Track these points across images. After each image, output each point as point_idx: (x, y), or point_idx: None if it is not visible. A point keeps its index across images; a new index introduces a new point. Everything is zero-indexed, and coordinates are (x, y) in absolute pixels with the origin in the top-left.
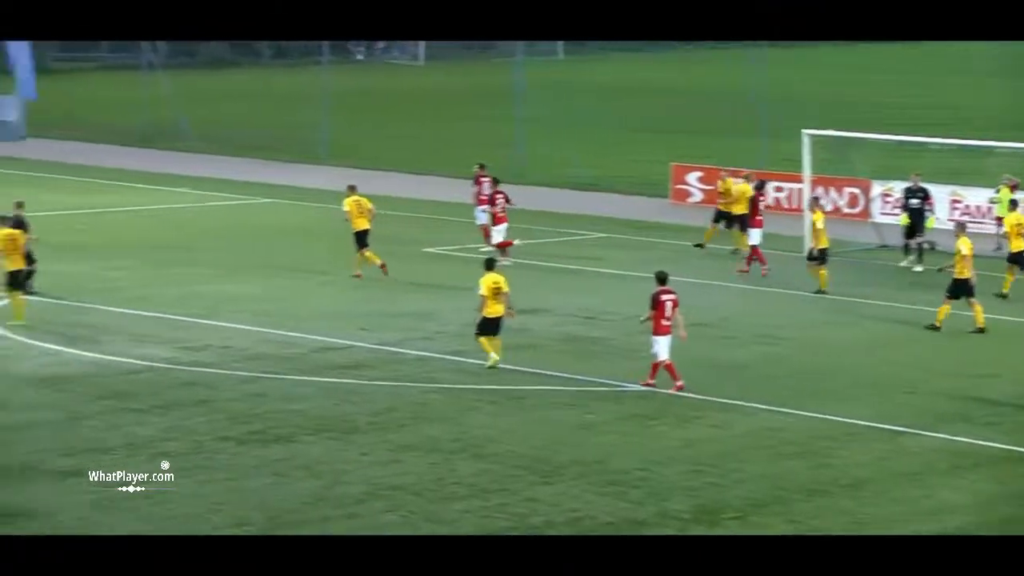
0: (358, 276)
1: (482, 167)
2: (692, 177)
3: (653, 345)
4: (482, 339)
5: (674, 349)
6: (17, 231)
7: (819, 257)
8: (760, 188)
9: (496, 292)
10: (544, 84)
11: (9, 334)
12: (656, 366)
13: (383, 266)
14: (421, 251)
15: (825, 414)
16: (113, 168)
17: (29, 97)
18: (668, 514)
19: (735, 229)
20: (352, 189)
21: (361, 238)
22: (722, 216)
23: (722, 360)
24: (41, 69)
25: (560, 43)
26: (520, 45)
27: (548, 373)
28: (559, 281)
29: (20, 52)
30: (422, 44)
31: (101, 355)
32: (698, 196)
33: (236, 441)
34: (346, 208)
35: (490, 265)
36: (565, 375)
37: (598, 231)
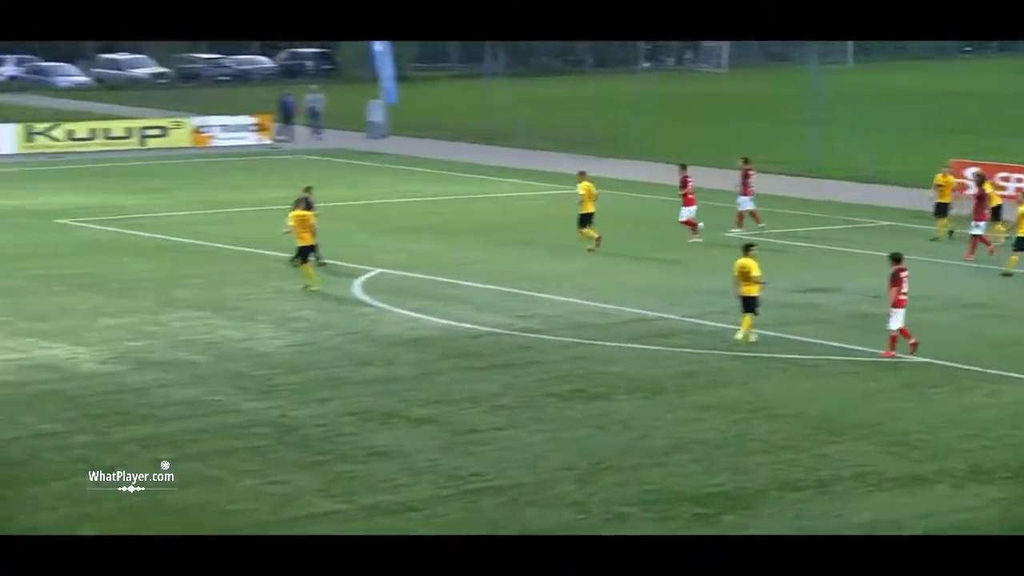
0: (591, 250)
1: (746, 161)
2: (969, 172)
3: (892, 318)
4: (744, 316)
5: (950, 327)
6: (307, 212)
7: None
8: (980, 183)
9: (744, 276)
10: (834, 88)
11: (375, 302)
12: (895, 337)
13: (599, 239)
14: (723, 235)
15: None
16: (459, 162)
17: (391, 101)
18: (945, 471)
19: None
20: (583, 175)
21: (586, 219)
22: (943, 208)
23: (995, 337)
24: (401, 77)
25: (850, 52)
26: (815, 54)
27: (836, 344)
28: (849, 263)
29: (384, 62)
30: (725, 53)
31: (450, 321)
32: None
33: (560, 397)
34: (581, 192)
35: (746, 249)
36: (851, 347)
37: (884, 220)
